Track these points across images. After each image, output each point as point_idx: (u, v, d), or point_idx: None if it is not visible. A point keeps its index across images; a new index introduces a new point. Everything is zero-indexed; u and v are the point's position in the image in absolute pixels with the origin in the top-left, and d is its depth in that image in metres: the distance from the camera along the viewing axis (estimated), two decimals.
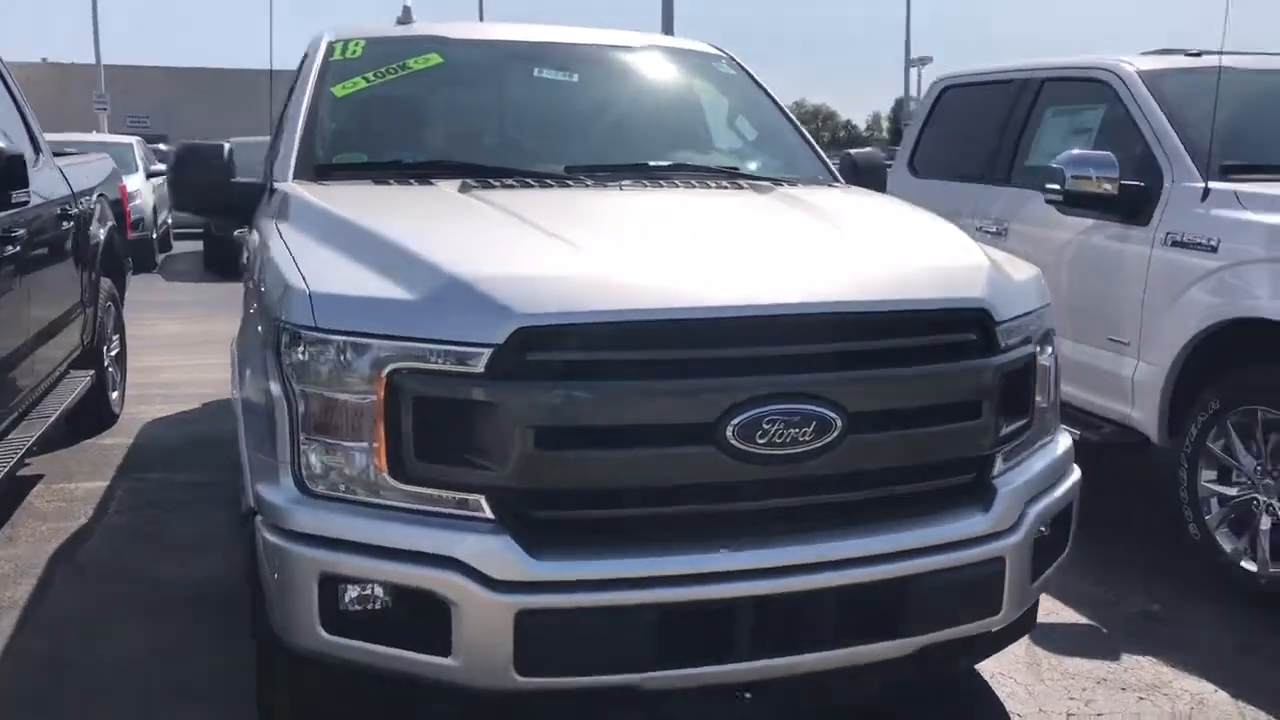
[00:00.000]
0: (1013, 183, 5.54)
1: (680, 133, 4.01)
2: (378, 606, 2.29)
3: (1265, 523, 3.90)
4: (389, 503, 2.29)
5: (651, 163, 3.56)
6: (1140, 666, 3.40)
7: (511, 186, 3.19)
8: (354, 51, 3.79)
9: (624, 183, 3.33)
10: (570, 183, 3.29)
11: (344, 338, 2.29)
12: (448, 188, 3.16)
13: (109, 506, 4.94)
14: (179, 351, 8.88)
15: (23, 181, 3.53)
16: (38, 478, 5.29)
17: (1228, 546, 4.01)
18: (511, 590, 2.19)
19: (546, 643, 2.21)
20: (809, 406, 2.27)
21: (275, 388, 2.40)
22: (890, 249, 2.64)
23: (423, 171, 3.35)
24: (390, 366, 2.25)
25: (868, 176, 4.05)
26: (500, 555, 2.20)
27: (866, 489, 2.40)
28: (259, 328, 2.63)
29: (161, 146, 19.26)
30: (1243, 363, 4.02)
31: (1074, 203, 4.64)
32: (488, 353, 2.20)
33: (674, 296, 2.28)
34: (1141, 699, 3.20)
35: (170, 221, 17.83)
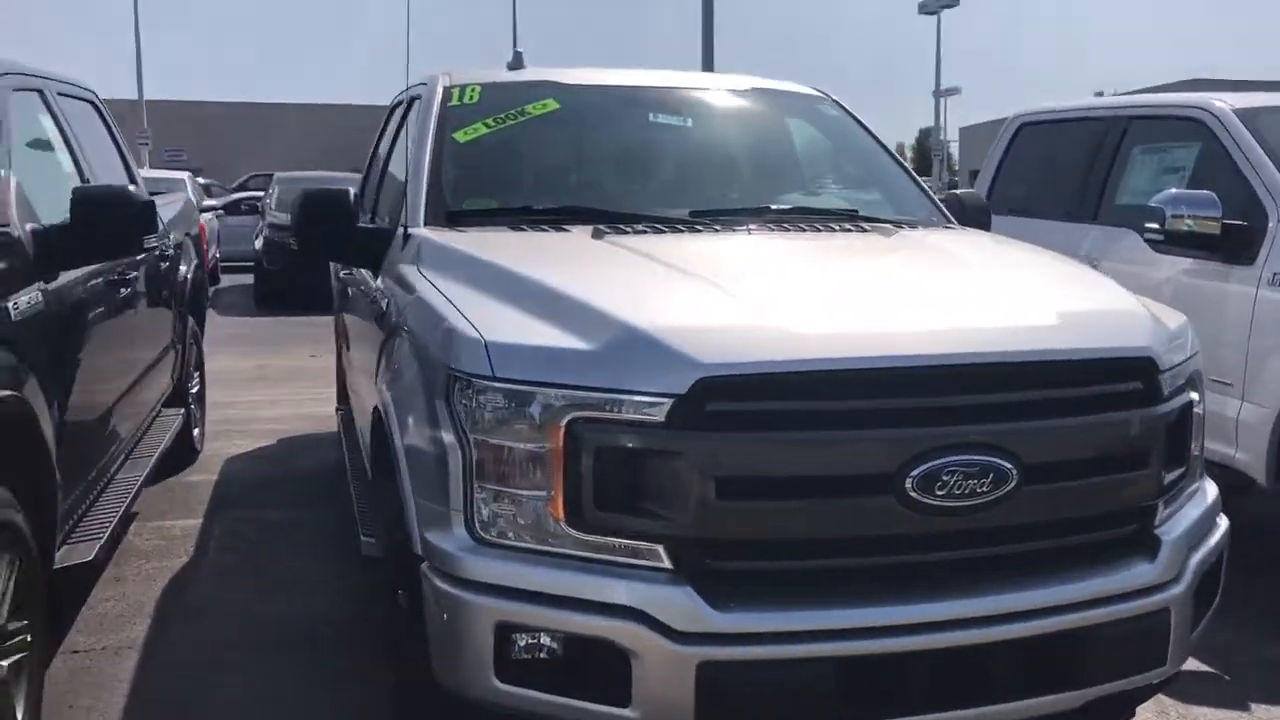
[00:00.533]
0: (1100, 220, 5.53)
1: (791, 175, 4.04)
2: (554, 656, 2.29)
3: None
4: (566, 551, 2.30)
5: (773, 206, 3.59)
6: (1271, 716, 3.35)
7: (643, 232, 3.22)
8: (471, 97, 3.84)
9: (750, 227, 3.35)
10: (699, 228, 3.32)
11: (522, 387, 2.31)
12: (582, 234, 3.19)
13: (209, 544, 4.98)
14: (242, 387, 8.97)
15: (153, 226, 3.59)
16: (133, 516, 5.33)
17: None
18: (693, 641, 2.19)
19: (726, 694, 2.20)
20: (987, 458, 2.27)
21: (447, 436, 2.42)
22: (1047, 296, 2.63)
23: (553, 217, 3.39)
24: (569, 416, 2.26)
25: (974, 216, 4.04)
26: (682, 606, 2.20)
27: (1038, 540, 2.39)
28: (417, 374, 2.65)
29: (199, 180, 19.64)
30: None
31: (1174, 241, 4.63)
32: (669, 403, 2.21)
33: (852, 346, 2.29)
34: None
35: (219, 256, 18.08)
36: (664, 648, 2.19)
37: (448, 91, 3.91)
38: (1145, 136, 5.50)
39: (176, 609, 4.23)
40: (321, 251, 3.71)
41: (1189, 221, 4.55)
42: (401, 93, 5.26)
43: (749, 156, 4.06)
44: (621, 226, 3.25)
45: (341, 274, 4.89)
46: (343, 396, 5.99)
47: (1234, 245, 4.52)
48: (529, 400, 2.31)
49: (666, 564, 2.25)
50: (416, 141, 3.74)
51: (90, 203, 3.47)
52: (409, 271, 3.12)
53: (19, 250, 3.22)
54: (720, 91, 4.20)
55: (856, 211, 3.69)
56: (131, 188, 3.70)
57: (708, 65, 18.96)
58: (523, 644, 2.30)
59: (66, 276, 3.54)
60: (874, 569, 2.30)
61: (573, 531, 2.29)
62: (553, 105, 3.85)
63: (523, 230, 3.29)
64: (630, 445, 2.24)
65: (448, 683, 2.42)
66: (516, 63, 4.08)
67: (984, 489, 2.27)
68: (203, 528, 5.21)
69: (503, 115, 3.79)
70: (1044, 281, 2.87)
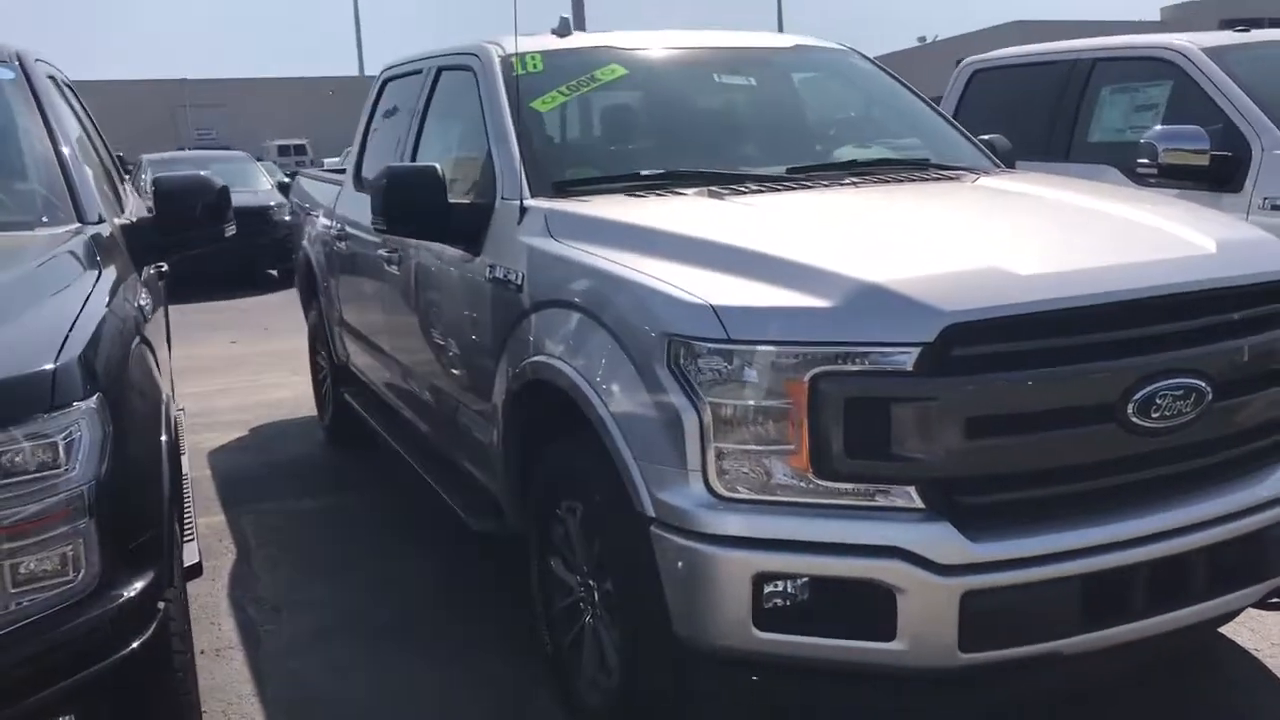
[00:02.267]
0: (1074, 158, 5.86)
1: (850, 128, 4.17)
2: (814, 600, 2.39)
3: None
4: (817, 500, 2.39)
5: (859, 159, 3.72)
6: None
7: (760, 192, 3.30)
8: (535, 65, 3.82)
9: (851, 180, 3.48)
10: (808, 184, 3.42)
11: (764, 347, 2.38)
12: (701, 197, 3.25)
13: (247, 540, 4.84)
14: (183, 379, 8.55)
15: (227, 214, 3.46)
16: None
17: None
18: (956, 573, 2.33)
19: (987, 620, 2.34)
20: (1190, 380, 2.46)
21: (675, 399, 2.47)
22: (1193, 228, 2.85)
23: (659, 182, 3.43)
24: (814, 370, 2.35)
25: (1006, 159, 4.27)
26: (942, 541, 2.33)
27: (1225, 451, 2.61)
28: (613, 345, 2.68)
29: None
30: None
31: (1166, 174, 4.97)
32: (917, 351, 2.32)
33: (1073, 285, 2.44)
34: None
35: None
36: (929, 581, 2.32)
37: (506, 61, 3.87)
38: (1113, 77, 5.85)
39: (253, 605, 4.13)
40: (412, 229, 3.64)
41: (1180, 155, 4.90)
42: (401, 64, 5.16)
43: (811, 112, 4.17)
44: (734, 187, 3.33)
45: (363, 255, 4.74)
46: (344, 381, 5.86)
47: (1221, 175, 4.89)
48: (770, 359, 2.38)
49: (919, 504, 2.37)
50: (492, 113, 3.70)
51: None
52: (546, 244, 3.12)
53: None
54: (770, 49, 4.28)
55: (929, 159, 3.84)
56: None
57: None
58: (782, 592, 2.40)
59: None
60: (1100, 490, 2.47)
61: (822, 481, 2.38)
62: (620, 71, 3.87)
63: (641, 196, 3.32)
64: (880, 394, 2.34)
65: (692, 636, 2.50)
66: (563, 29, 4.06)
67: (1187, 409, 2.47)
68: (230, 523, 5.05)
69: (575, 83, 3.78)
70: (1176, 214, 3.08)
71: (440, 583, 4.23)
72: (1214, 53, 5.28)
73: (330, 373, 6.20)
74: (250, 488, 5.58)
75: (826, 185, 3.42)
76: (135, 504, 2.24)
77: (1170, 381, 2.44)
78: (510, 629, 3.73)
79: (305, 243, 6.39)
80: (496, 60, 3.89)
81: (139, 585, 2.16)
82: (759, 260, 2.61)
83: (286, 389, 7.78)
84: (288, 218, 14.22)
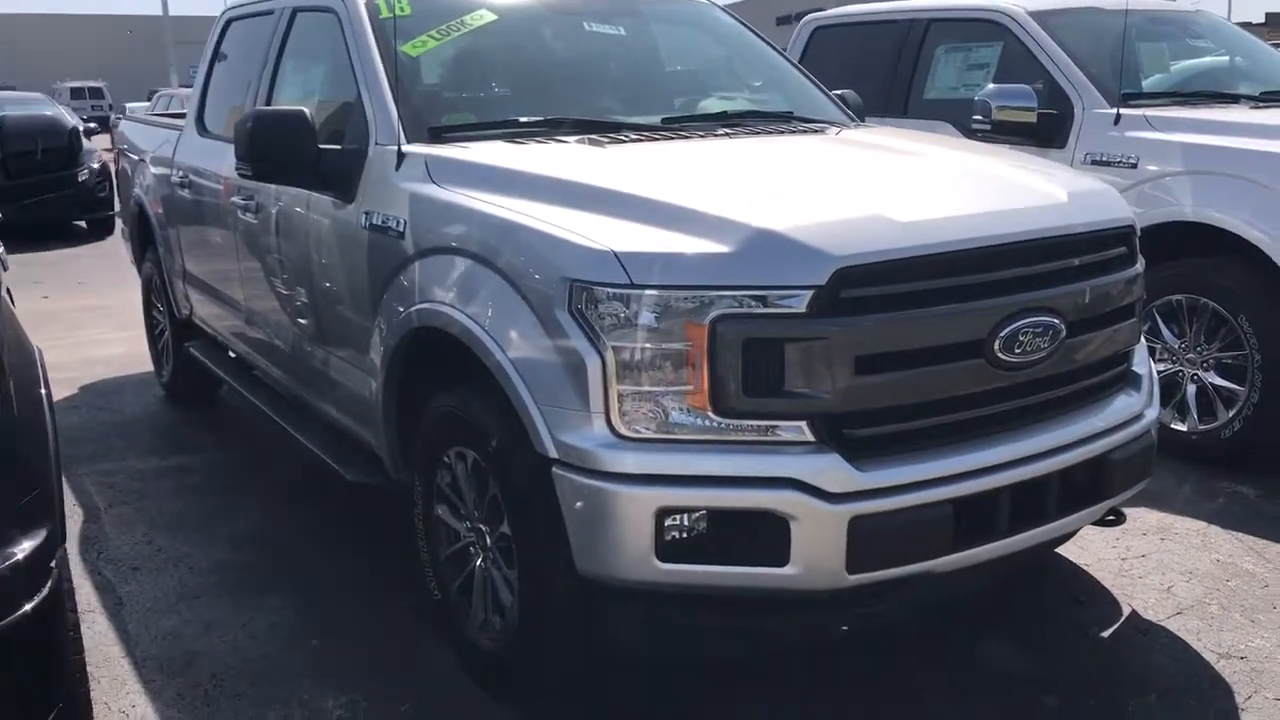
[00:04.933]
0: (911, 114, 6.15)
1: (722, 80, 4.28)
2: (712, 532, 2.51)
3: (1190, 390, 4.75)
4: (715, 438, 2.50)
5: (729, 110, 3.83)
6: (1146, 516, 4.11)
7: (639, 140, 3.36)
8: (401, 9, 3.73)
9: (723, 131, 3.58)
10: (685, 134, 3.50)
11: (665, 291, 2.46)
12: (583, 144, 3.29)
13: (93, 501, 4.62)
14: None
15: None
16: None
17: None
18: (844, 500, 2.48)
19: (871, 542, 2.51)
20: (1047, 318, 2.69)
21: (577, 342, 2.53)
22: (1047, 179, 3.07)
23: (538, 129, 3.44)
24: (713, 314, 2.45)
25: (858, 113, 4.47)
26: (832, 471, 2.48)
27: (1073, 384, 2.85)
28: (509, 290, 2.70)
29: None
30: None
31: (999, 130, 5.29)
32: (810, 293, 2.45)
33: (952, 231, 2.62)
34: (1163, 539, 3.91)
35: None
36: (820, 509, 2.46)
37: (371, 4, 3.78)
38: (946, 37, 6.15)
39: (109, 567, 3.97)
40: (280, 175, 3.54)
41: (1011, 112, 5.22)
42: (246, 4, 4.96)
43: (677, 63, 4.23)
44: (613, 136, 3.38)
45: (212, 204, 4.55)
46: (186, 336, 5.63)
47: (1047, 132, 5.25)
48: (673, 303, 2.46)
49: (810, 437, 2.51)
50: (361, 57, 3.62)
51: None
52: (430, 191, 3.10)
53: None
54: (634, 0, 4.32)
55: (792, 113, 3.99)
56: None
57: None
58: (681, 525, 2.50)
59: None
60: (970, 421, 2.67)
61: (720, 418, 2.49)
62: (490, 16, 3.84)
63: (521, 143, 3.33)
64: (775, 335, 2.46)
65: (595, 571, 2.58)
66: None
67: (1045, 345, 2.69)
68: (72, 484, 4.81)
69: (445, 27, 3.73)
70: (1028, 166, 3.31)
71: (311, 534, 4.17)
72: (1039, 16, 5.63)
73: (169, 327, 5.94)
74: (89, 448, 5.32)
75: (702, 135, 3.51)
76: (21, 460, 2.14)
77: (1031, 319, 2.66)
78: (389, 577, 3.73)
79: (137, 191, 6.07)
80: (361, 3, 3.79)
81: (29, 545, 2.07)
82: (655, 207, 2.68)
83: (115, 345, 7.40)
84: (96, 165, 13.43)
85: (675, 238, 2.56)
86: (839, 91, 4.53)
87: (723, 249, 2.50)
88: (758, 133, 3.64)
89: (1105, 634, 3.29)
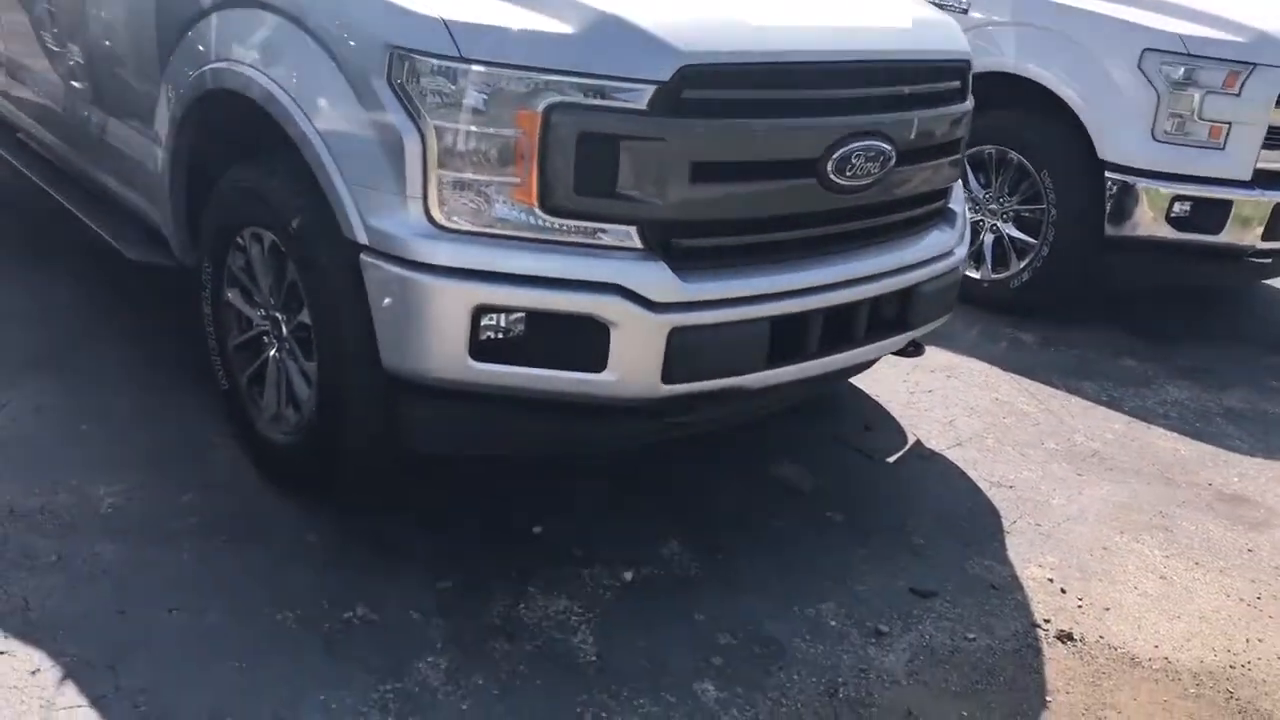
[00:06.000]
0: None
1: None
2: (530, 333, 2.41)
3: (988, 239, 4.94)
4: (540, 236, 2.38)
5: None
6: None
7: None
8: None
9: None
10: None
11: (497, 70, 2.28)
12: None
13: None
14: None
15: None
16: None
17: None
18: (666, 310, 2.43)
19: (689, 354, 2.48)
20: (880, 143, 2.66)
21: (395, 119, 2.33)
22: (893, 4, 2.99)
23: None
24: (548, 100, 2.29)
25: None
26: (657, 280, 2.41)
27: (895, 213, 2.87)
28: (322, 54, 2.44)
29: None
30: None
31: None
32: (651, 89, 2.32)
33: (798, 41, 2.52)
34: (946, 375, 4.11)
35: None
36: (642, 316, 2.40)
37: None
38: None
39: None
40: None
41: None
42: None
43: None
44: None
45: None
46: None
47: None
48: (504, 84, 2.28)
49: (638, 244, 2.42)
50: None
51: None
52: None
53: None
54: None
55: None
56: None
57: None
58: (498, 324, 2.40)
59: None
60: (793, 242, 2.65)
61: (547, 216, 2.36)
62: None
63: None
64: (610, 131, 2.32)
65: (402, 367, 2.45)
66: None
67: (875, 170, 2.68)
68: None
69: None
70: None
71: (84, 314, 3.82)
72: None
73: None
74: None
75: None
76: None
77: (865, 143, 2.62)
78: (171, 361, 3.47)
79: None
80: None
81: None
82: None
83: None
84: None
85: (513, 12, 2.36)
86: None
87: (565, 29, 2.32)
88: None
89: (890, 460, 3.45)
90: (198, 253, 3.05)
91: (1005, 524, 3.13)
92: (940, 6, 4.91)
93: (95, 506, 2.73)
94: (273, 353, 2.86)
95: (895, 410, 3.78)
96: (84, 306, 3.88)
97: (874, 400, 3.83)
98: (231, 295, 2.95)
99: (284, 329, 2.80)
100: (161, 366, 3.47)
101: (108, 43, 3.27)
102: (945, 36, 2.99)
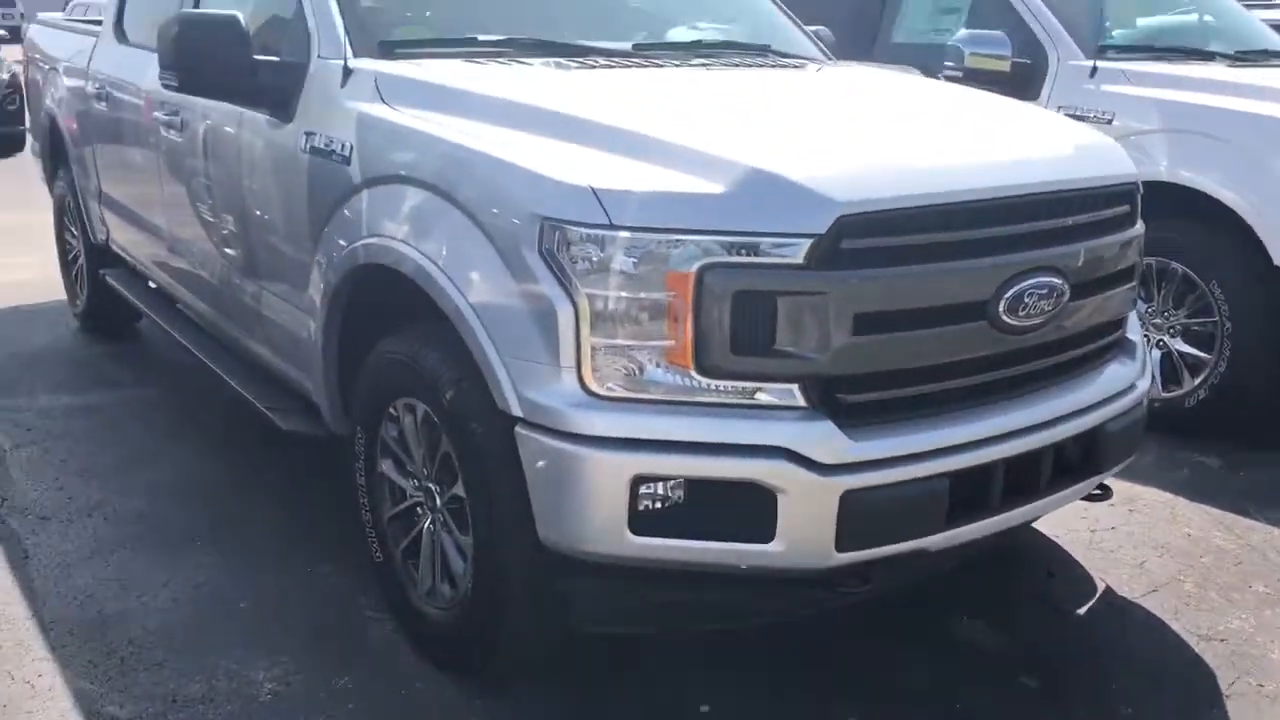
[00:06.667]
0: (876, 57, 5.90)
1: (697, 6, 3.99)
2: (691, 502, 2.28)
3: (1155, 356, 4.64)
4: (698, 399, 2.27)
5: (704, 40, 3.56)
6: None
7: (610, 67, 3.08)
8: None
9: (699, 60, 3.31)
10: (659, 62, 3.23)
11: (647, 234, 2.21)
12: (549, 67, 3.00)
13: (21, 439, 4.24)
14: None
15: None
16: None
17: None
18: (836, 472, 2.27)
19: (863, 519, 2.31)
20: (1052, 278, 2.49)
21: (547, 288, 2.27)
22: (1049, 129, 2.86)
23: (498, 49, 3.14)
24: (701, 261, 2.20)
25: (832, 50, 4.22)
26: (825, 440, 2.27)
27: (1070, 350, 2.67)
28: (471, 227, 2.43)
29: None
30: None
31: (971, 77, 5.07)
32: (808, 243, 2.21)
33: (956, 179, 2.39)
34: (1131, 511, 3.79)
35: None
36: (811, 481, 2.25)
37: None
38: None
39: (14, 516, 3.64)
40: (209, 87, 3.18)
41: (984, 60, 5.02)
42: None
43: None
44: (582, 60, 3.09)
45: (133, 119, 4.15)
46: (102, 262, 5.22)
47: (1020, 82, 5.05)
48: (655, 247, 2.21)
49: (801, 402, 2.29)
50: None
51: None
52: (381, 112, 2.80)
53: None
54: None
55: (769, 46, 3.72)
56: None
57: None
58: (658, 494, 2.28)
59: None
60: (968, 389, 2.47)
61: (704, 379, 2.26)
62: None
63: (481, 63, 3.02)
64: (767, 288, 2.22)
65: (560, 542, 2.35)
66: None
67: (1048, 307, 2.50)
68: None
69: None
70: (1031, 114, 3.10)
71: (239, 485, 3.87)
72: None
73: (84, 252, 5.52)
74: None
75: (677, 64, 3.24)
76: None
77: (1036, 280, 2.45)
78: (325, 535, 3.45)
79: (49, 103, 5.60)
80: None
81: None
82: (635, 140, 2.41)
83: (24, 269, 6.90)
84: (6, 77, 12.57)
85: (659, 174, 2.30)
86: (812, 28, 4.27)
87: (713, 189, 2.24)
88: (736, 65, 3.38)
89: (1080, 611, 3.16)
90: (350, 422, 3.05)
91: (1223, 686, 2.80)
92: (1082, 118, 4.77)
93: (255, 693, 2.67)
94: (427, 525, 2.80)
95: (1077, 552, 3.49)
96: (238, 477, 3.93)
97: (1052, 541, 3.55)
98: (385, 466, 2.92)
99: (438, 500, 2.74)
100: (316, 537, 3.45)
101: (261, 213, 3.36)
102: (1109, 159, 2.83)
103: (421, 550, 2.83)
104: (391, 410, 2.83)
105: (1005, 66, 5.01)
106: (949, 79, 5.12)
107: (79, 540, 3.47)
